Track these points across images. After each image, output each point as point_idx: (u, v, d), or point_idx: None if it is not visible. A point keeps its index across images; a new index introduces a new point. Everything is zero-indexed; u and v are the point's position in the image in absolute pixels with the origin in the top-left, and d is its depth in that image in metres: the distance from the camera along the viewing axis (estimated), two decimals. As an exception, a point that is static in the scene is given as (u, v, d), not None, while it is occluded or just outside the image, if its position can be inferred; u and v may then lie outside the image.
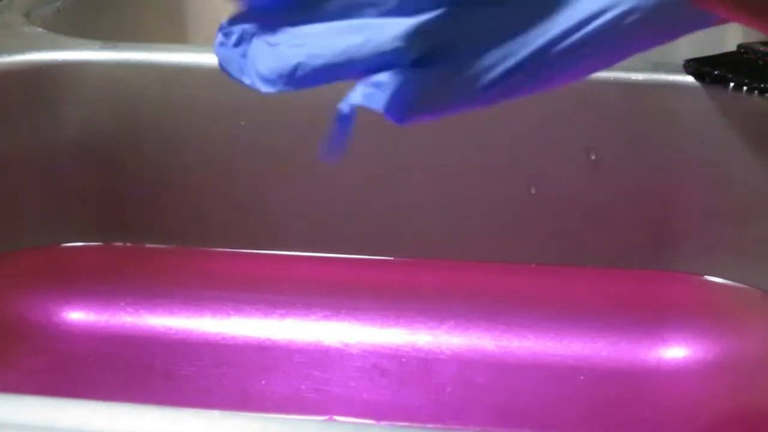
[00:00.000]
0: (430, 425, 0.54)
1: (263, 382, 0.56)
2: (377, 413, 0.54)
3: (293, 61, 0.32)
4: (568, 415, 0.54)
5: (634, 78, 0.53)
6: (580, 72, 0.31)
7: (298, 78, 0.32)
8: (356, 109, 0.31)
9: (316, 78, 0.32)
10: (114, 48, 0.56)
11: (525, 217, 0.56)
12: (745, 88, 0.51)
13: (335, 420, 0.53)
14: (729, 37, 0.74)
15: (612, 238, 0.57)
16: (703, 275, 0.57)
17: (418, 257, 0.58)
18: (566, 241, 0.57)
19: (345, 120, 0.31)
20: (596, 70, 0.30)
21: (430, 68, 0.30)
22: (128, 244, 0.60)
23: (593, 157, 0.54)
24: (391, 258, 0.59)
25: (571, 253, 0.57)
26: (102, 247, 0.60)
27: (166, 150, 0.57)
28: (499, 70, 0.30)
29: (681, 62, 0.53)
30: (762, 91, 0.51)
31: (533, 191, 0.56)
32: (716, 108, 0.52)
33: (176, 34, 0.77)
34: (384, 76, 0.31)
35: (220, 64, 0.33)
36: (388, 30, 0.30)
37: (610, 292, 0.58)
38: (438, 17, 0.30)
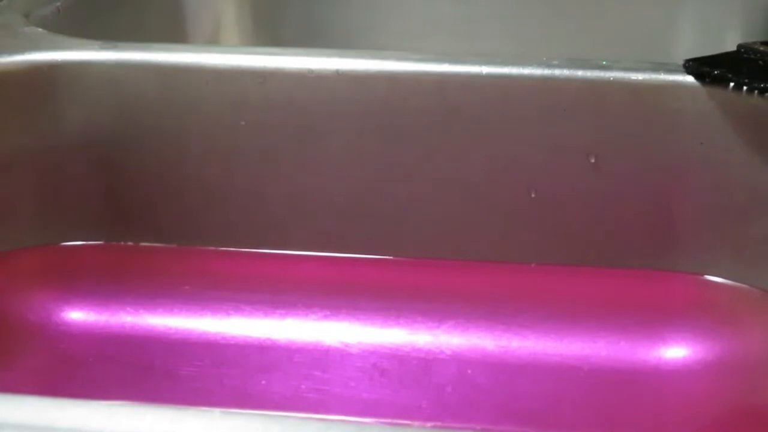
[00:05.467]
0: (430, 425, 0.54)
1: (263, 382, 0.56)
2: (377, 413, 0.54)
3: None
4: (568, 415, 0.54)
5: (634, 78, 0.53)
6: None
7: None
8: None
9: None
10: (114, 48, 0.56)
11: (525, 217, 0.56)
12: (745, 88, 0.51)
13: (335, 420, 0.53)
14: (729, 37, 0.74)
15: (612, 238, 0.57)
16: (703, 275, 0.57)
17: (418, 257, 0.58)
18: (566, 241, 0.57)
19: None
20: None
21: None
22: (128, 244, 0.60)
23: (593, 160, 0.54)
24: (391, 258, 0.59)
25: (571, 253, 0.57)
26: (102, 247, 0.60)
27: (166, 150, 0.57)
28: None
29: (681, 62, 0.53)
30: (762, 91, 0.51)
31: (533, 195, 0.56)
32: (716, 108, 0.52)
33: (176, 34, 0.77)
34: None
35: None
36: None
37: (610, 292, 0.58)
38: None
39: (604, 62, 0.53)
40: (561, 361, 0.56)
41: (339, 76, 0.54)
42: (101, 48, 0.56)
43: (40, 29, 0.59)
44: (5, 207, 0.58)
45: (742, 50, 0.53)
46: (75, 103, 0.56)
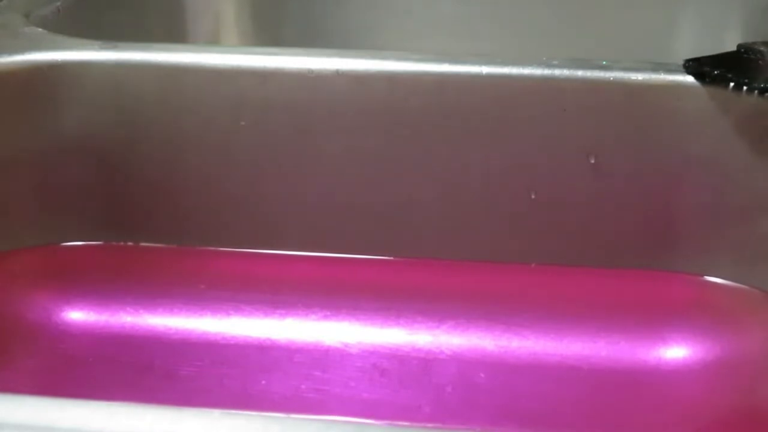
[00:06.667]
0: (430, 425, 0.54)
1: (263, 382, 0.56)
2: (377, 413, 0.54)
3: None
4: (568, 415, 0.54)
5: (634, 78, 0.53)
6: None
7: None
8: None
9: None
10: (114, 48, 0.56)
11: (525, 217, 0.56)
12: (745, 88, 0.51)
13: (335, 420, 0.53)
14: (729, 37, 0.74)
15: (612, 238, 0.57)
16: (703, 275, 0.57)
17: (418, 257, 0.58)
18: (566, 241, 0.57)
19: None
20: None
21: None
22: (128, 244, 0.60)
23: (592, 160, 0.54)
24: (391, 258, 0.59)
25: (571, 253, 0.57)
26: (102, 247, 0.60)
27: (165, 150, 0.57)
28: None
29: (681, 62, 0.53)
30: (762, 91, 0.51)
31: (533, 196, 0.56)
32: (716, 108, 0.52)
33: (176, 34, 0.77)
34: None
35: None
36: None
37: (610, 292, 0.58)
38: None
39: (604, 62, 0.53)
40: (561, 361, 0.56)
41: (339, 76, 0.54)
42: (101, 48, 0.56)
43: (40, 29, 0.59)
44: (5, 207, 0.58)
45: (742, 50, 0.53)
46: (75, 103, 0.56)
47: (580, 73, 0.53)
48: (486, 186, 0.56)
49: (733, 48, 0.54)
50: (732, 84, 0.52)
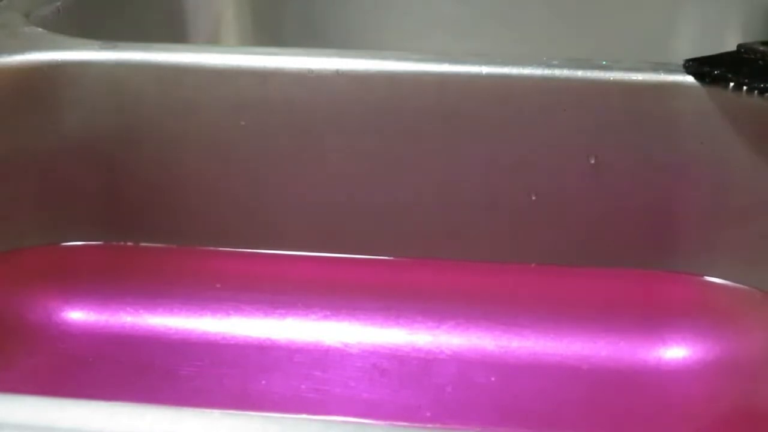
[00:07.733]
0: (429, 425, 0.54)
1: (263, 382, 0.56)
2: (377, 413, 0.54)
3: None
4: (568, 415, 0.54)
5: (634, 78, 0.53)
6: None
7: None
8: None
9: None
10: (114, 48, 0.56)
11: (525, 217, 0.56)
12: (745, 88, 0.51)
13: (335, 420, 0.53)
14: (729, 37, 0.74)
15: (612, 238, 0.57)
16: (703, 275, 0.57)
17: (418, 257, 0.58)
18: (566, 241, 0.57)
19: None
20: None
21: None
22: (128, 244, 0.60)
23: (592, 161, 0.54)
24: (391, 258, 0.59)
25: (571, 253, 0.57)
26: (102, 247, 0.60)
27: (166, 150, 0.57)
28: None
29: (681, 62, 0.53)
30: (762, 91, 0.51)
31: (534, 197, 0.56)
32: (716, 108, 0.52)
33: (176, 34, 0.77)
34: None
35: None
36: None
37: (610, 292, 0.58)
38: None
39: (604, 62, 0.53)
40: (561, 361, 0.56)
41: (339, 76, 0.54)
42: (101, 48, 0.56)
43: (40, 29, 0.59)
44: (5, 207, 0.58)
45: (742, 50, 0.53)
46: (75, 103, 0.56)
47: (580, 73, 0.53)
48: (486, 186, 0.56)
49: (733, 48, 0.54)
50: (732, 84, 0.52)
